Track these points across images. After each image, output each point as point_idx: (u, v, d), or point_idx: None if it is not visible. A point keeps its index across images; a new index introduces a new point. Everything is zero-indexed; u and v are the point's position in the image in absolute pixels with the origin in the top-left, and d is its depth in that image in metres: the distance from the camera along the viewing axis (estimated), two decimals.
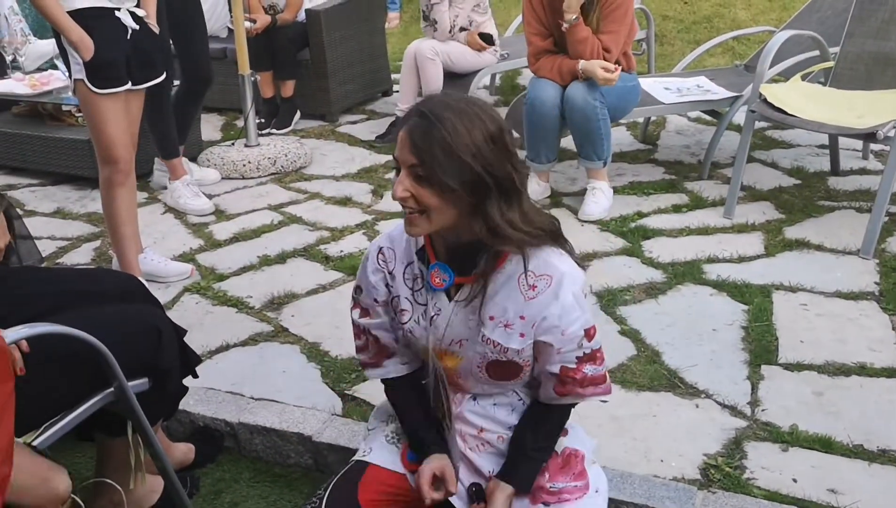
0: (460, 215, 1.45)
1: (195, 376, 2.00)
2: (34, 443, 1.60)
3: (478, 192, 1.42)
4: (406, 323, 1.63)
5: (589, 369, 1.56)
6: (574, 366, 1.55)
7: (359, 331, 1.72)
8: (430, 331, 1.60)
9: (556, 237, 1.54)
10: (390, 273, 1.63)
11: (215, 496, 2.12)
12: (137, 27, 2.79)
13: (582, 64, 3.32)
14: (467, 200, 1.43)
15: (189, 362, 1.96)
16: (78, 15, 2.65)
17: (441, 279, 1.54)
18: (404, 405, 1.74)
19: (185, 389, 1.97)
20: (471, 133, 1.40)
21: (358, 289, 1.70)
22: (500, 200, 1.44)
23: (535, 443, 1.63)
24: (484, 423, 1.66)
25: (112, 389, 1.67)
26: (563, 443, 1.67)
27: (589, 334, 1.54)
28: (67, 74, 2.79)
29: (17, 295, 1.81)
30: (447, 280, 1.54)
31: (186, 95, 3.85)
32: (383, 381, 1.75)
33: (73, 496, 1.82)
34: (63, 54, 2.75)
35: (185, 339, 1.97)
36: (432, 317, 1.59)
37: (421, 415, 1.71)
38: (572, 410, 1.67)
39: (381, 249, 1.64)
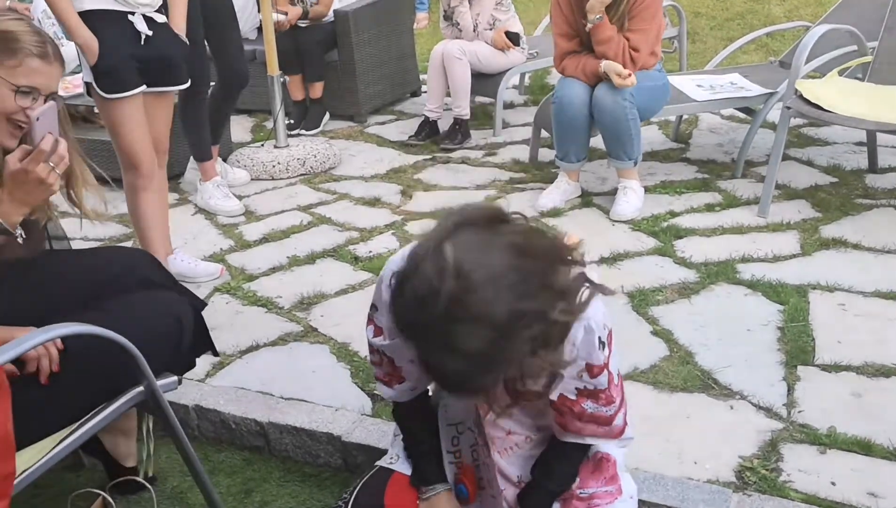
0: None
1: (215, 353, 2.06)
2: (66, 442, 1.61)
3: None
4: None
5: (589, 405, 1.51)
6: (573, 398, 1.51)
7: (372, 349, 1.71)
8: None
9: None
10: None
11: (245, 495, 2.13)
12: (151, 33, 2.71)
13: (604, 64, 3.30)
14: None
15: (205, 341, 1.97)
16: (87, 16, 2.61)
17: None
18: (409, 429, 1.74)
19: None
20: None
21: (374, 307, 1.66)
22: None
23: (548, 480, 1.61)
24: (511, 425, 1.65)
25: (142, 388, 1.68)
26: (594, 447, 1.65)
27: (592, 370, 1.48)
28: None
29: (42, 284, 1.82)
30: None
31: (221, 96, 3.86)
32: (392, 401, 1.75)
33: (103, 494, 1.84)
34: (80, 56, 2.74)
35: (214, 337, 1.98)
36: None
37: (424, 443, 1.70)
38: None
39: (394, 272, 1.59)
